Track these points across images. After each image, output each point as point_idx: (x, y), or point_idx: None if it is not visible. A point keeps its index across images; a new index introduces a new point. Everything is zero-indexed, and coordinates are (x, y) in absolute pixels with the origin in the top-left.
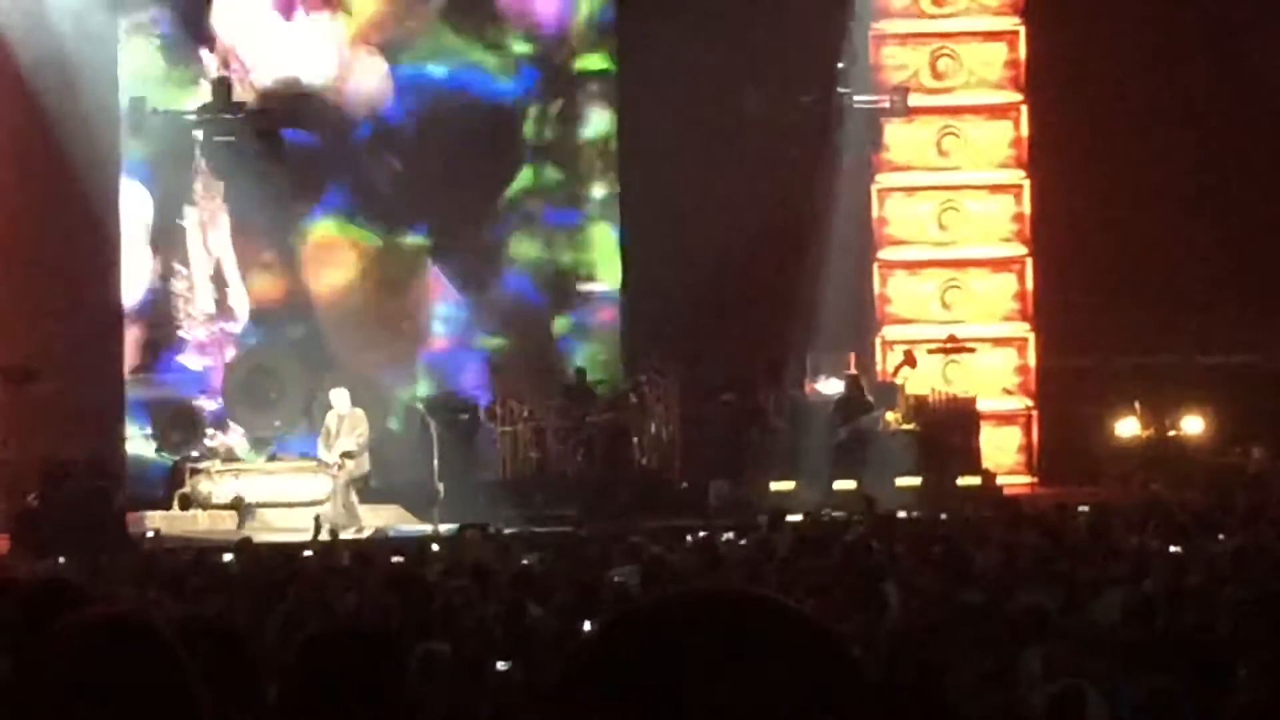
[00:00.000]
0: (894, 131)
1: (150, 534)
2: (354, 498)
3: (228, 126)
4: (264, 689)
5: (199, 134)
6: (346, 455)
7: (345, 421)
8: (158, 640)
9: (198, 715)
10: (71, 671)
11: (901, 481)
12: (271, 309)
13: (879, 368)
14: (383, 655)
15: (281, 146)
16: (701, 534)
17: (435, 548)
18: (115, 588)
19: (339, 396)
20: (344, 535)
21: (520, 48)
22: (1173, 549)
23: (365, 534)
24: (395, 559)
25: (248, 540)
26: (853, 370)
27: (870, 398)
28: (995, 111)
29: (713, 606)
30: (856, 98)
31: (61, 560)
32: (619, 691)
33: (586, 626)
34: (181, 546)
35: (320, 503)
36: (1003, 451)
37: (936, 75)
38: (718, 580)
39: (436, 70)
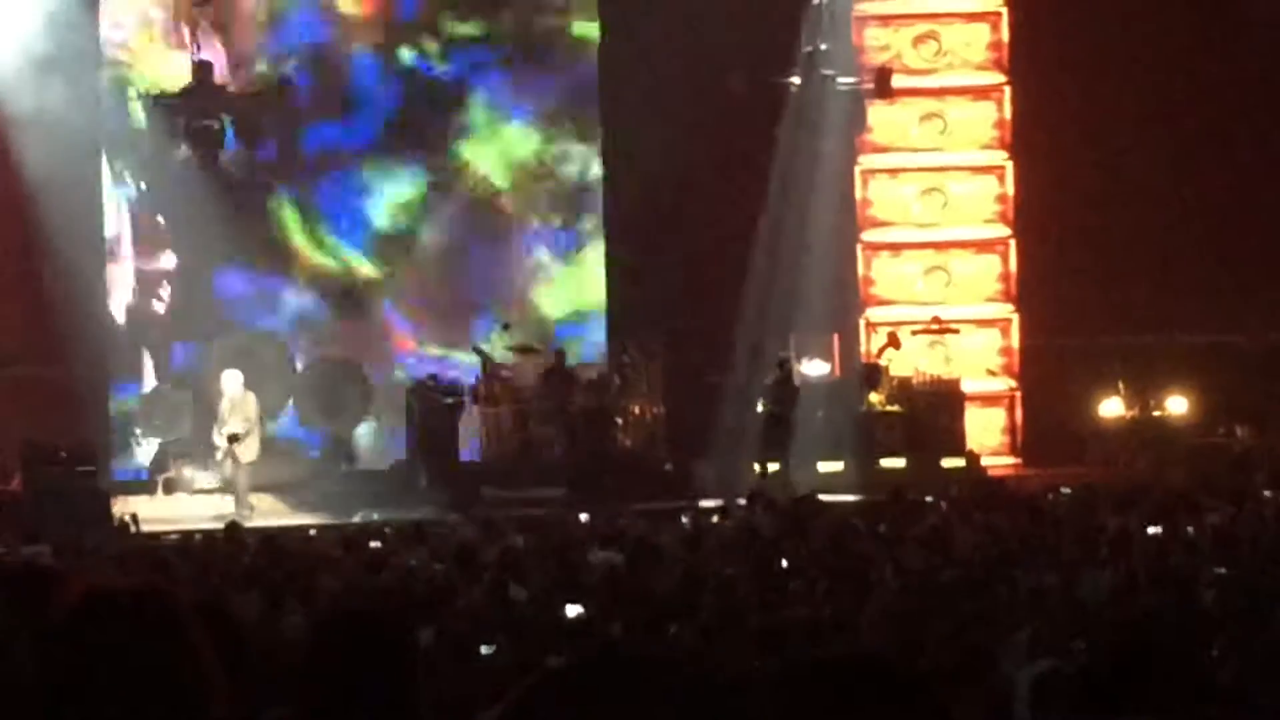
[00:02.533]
0: (877, 113)
1: (129, 519)
2: (244, 484)
3: (208, 110)
4: (254, 672)
5: (180, 119)
6: (233, 438)
7: (236, 405)
8: (170, 611)
9: (208, 694)
10: (79, 640)
11: (886, 463)
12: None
13: (863, 349)
14: (395, 637)
15: (259, 134)
16: (685, 516)
17: (419, 530)
18: (100, 573)
19: (231, 379)
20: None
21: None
22: (1157, 529)
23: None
24: (374, 544)
25: (234, 524)
26: (787, 352)
27: (798, 384)
28: (978, 93)
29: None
30: (840, 79)
31: (41, 547)
32: None
33: (569, 610)
34: (166, 531)
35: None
36: (987, 432)
37: (919, 57)
38: (697, 561)
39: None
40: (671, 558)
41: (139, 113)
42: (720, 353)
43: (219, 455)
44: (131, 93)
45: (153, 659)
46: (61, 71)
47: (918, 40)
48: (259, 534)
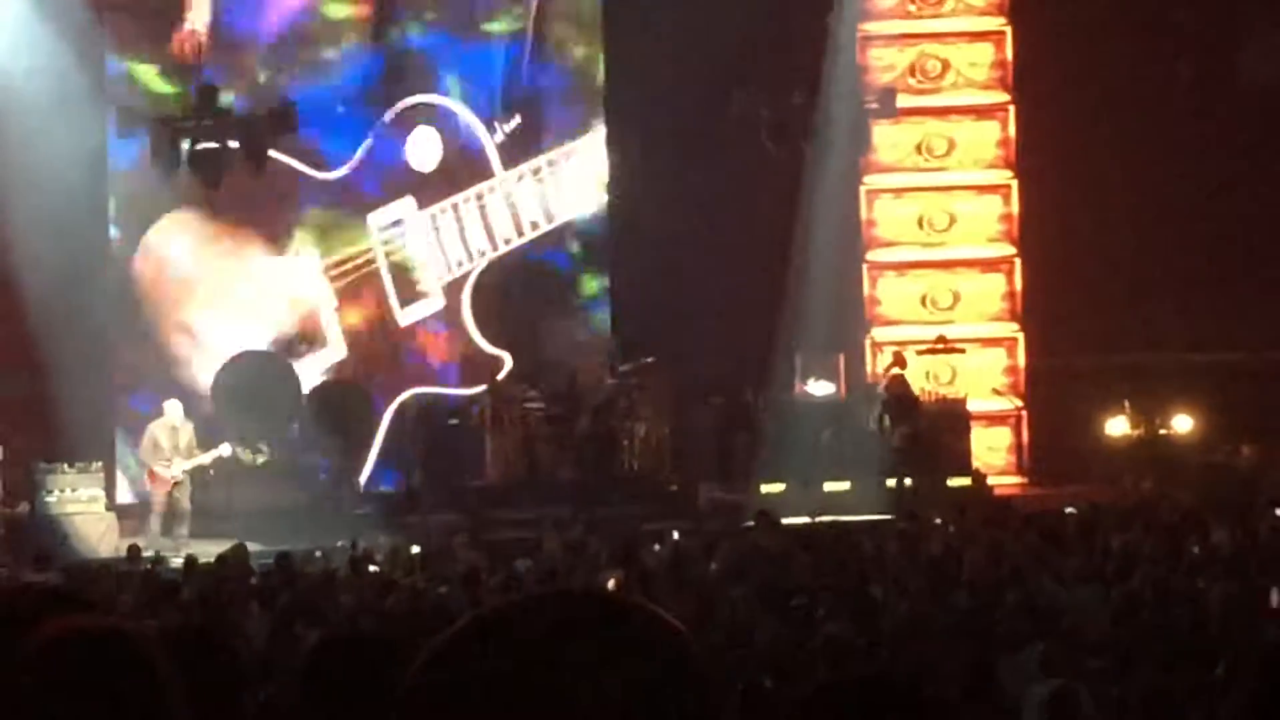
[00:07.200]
0: (882, 133)
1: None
2: (180, 513)
3: (213, 132)
4: (255, 697)
5: (185, 141)
6: (198, 470)
7: (180, 434)
8: (137, 653)
9: None
10: (43, 683)
11: (891, 483)
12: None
13: (869, 369)
14: (392, 661)
15: (265, 156)
16: (692, 537)
17: (417, 551)
18: (108, 596)
19: (172, 407)
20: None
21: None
22: (1163, 548)
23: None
24: (379, 568)
25: (240, 547)
26: (897, 370)
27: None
28: (983, 112)
29: (558, 609)
30: (844, 99)
31: (51, 573)
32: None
33: None
34: (172, 554)
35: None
36: (993, 452)
37: (924, 76)
38: (705, 582)
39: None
40: (678, 578)
41: (143, 138)
42: (725, 373)
43: (168, 487)
44: (135, 118)
45: (115, 702)
46: (64, 93)
47: (922, 60)
48: (267, 557)
